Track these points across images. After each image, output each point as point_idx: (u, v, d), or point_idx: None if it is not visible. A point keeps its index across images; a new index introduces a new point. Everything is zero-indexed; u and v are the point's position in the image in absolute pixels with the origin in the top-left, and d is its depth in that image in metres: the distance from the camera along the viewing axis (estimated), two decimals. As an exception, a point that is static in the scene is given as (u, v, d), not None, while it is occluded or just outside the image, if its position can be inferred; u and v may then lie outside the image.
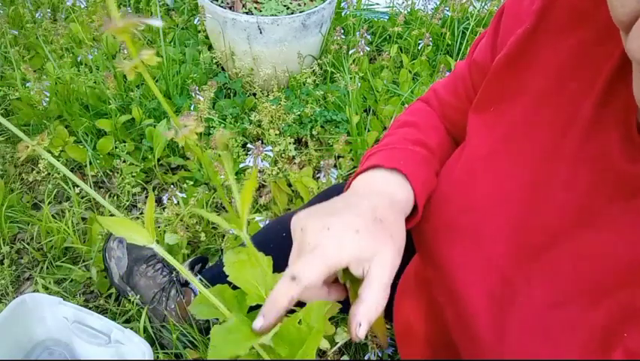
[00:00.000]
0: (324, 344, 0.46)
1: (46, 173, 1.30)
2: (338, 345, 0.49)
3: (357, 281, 0.44)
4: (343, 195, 0.52)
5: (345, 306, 0.47)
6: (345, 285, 0.47)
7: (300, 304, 0.43)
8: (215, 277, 0.94)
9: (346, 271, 0.44)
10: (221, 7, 1.50)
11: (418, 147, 0.59)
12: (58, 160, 1.35)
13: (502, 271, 0.48)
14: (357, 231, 0.43)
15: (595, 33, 0.43)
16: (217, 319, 0.44)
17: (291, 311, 0.42)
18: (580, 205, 0.43)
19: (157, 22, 0.26)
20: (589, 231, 0.42)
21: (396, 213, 0.49)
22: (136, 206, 1.32)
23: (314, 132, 1.48)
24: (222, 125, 1.45)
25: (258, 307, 0.47)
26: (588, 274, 0.41)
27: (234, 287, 0.48)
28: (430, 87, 0.69)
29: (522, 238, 0.47)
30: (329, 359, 0.50)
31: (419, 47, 1.70)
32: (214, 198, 1.32)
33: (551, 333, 0.43)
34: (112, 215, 0.36)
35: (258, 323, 0.39)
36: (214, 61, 1.67)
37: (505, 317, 0.47)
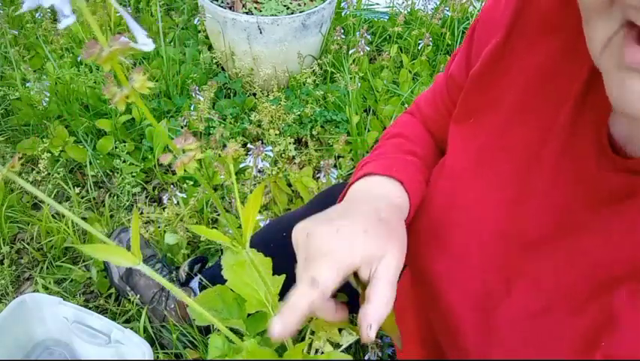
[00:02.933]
0: (328, 349, 0.46)
1: (46, 173, 1.30)
2: (342, 347, 0.48)
3: (365, 285, 0.44)
4: (342, 203, 0.52)
5: (355, 308, 0.47)
6: (354, 291, 0.47)
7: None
8: (215, 277, 0.94)
9: (355, 274, 0.44)
10: (221, 7, 1.50)
11: (409, 156, 0.60)
12: (58, 160, 1.36)
13: (485, 281, 0.49)
14: (366, 231, 0.43)
15: (566, 42, 0.44)
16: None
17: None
18: (559, 214, 0.44)
19: (147, 47, 0.22)
20: (567, 239, 0.43)
21: (398, 215, 0.50)
22: (136, 206, 1.32)
23: (314, 132, 1.48)
24: (222, 125, 1.45)
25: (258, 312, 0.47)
26: (567, 281, 0.42)
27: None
28: (414, 100, 0.70)
29: (503, 248, 0.48)
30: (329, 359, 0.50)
31: (419, 47, 1.70)
32: (214, 198, 1.32)
33: (535, 343, 0.43)
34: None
35: (276, 328, 0.37)
36: (214, 61, 1.67)
37: (489, 327, 0.47)
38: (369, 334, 0.39)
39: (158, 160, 1.37)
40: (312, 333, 0.47)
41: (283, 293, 0.46)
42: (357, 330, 0.47)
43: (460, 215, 0.52)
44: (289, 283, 0.48)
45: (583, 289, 0.41)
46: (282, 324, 0.37)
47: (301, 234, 0.45)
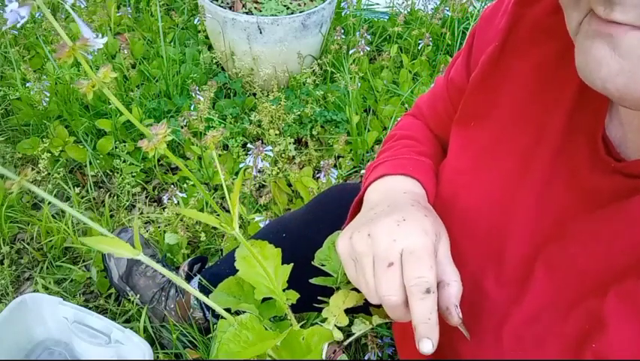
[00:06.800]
0: (337, 335, 0.46)
1: (46, 173, 1.30)
2: (355, 336, 0.49)
3: None
4: (370, 205, 0.51)
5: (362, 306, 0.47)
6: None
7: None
8: (215, 276, 0.93)
9: None
10: (221, 7, 1.50)
11: (422, 157, 0.60)
12: (58, 160, 1.35)
13: (481, 286, 0.49)
14: (426, 215, 0.45)
15: (559, 49, 0.44)
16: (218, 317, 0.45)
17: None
18: (552, 219, 0.44)
19: (99, 43, 0.27)
20: (558, 243, 0.43)
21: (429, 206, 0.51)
22: (135, 206, 1.32)
23: (314, 132, 1.48)
24: (222, 125, 1.45)
25: (268, 299, 0.48)
26: (558, 286, 0.42)
27: None
28: (415, 102, 0.71)
29: (494, 253, 0.48)
30: (328, 359, 0.50)
31: (419, 47, 1.70)
32: (214, 198, 1.32)
33: (524, 348, 0.44)
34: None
35: (427, 347, 0.39)
36: (214, 61, 1.67)
37: (484, 332, 0.48)
38: (459, 314, 0.41)
39: (158, 160, 1.37)
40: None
41: (290, 284, 0.46)
42: (371, 320, 0.47)
43: (457, 218, 0.52)
44: (290, 280, 0.48)
45: (571, 296, 0.41)
46: (431, 342, 0.39)
47: (358, 238, 0.44)
